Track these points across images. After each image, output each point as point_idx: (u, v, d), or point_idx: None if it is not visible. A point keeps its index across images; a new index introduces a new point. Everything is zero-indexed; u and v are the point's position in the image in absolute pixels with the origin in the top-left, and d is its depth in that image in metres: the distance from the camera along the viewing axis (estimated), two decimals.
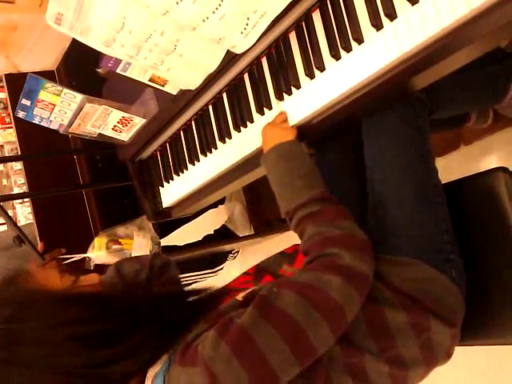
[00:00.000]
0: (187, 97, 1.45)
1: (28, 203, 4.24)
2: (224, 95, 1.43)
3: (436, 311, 1.05)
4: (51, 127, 1.61)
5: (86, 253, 2.05)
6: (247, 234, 2.86)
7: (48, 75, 1.97)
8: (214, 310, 0.97)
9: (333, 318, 0.89)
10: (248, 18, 1.07)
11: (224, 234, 2.81)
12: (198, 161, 1.56)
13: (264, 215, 2.82)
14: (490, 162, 1.82)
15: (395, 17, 0.97)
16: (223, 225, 2.83)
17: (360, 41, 1.04)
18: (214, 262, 2.73)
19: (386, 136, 1.16)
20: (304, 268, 0.97)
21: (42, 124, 1.58)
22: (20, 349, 0.84)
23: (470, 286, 1.13)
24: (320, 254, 0.96)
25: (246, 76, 1.34)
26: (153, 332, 0.92)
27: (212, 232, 2.81)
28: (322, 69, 1.13)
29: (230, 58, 1.26)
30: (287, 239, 2.58)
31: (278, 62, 1.24)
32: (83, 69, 1.91)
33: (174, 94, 1.44)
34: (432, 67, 0.96)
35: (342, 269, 0.92)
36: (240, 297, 1.04)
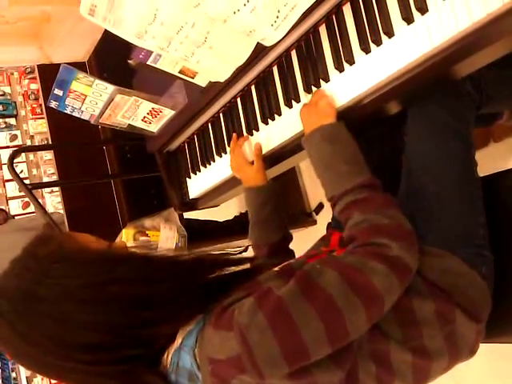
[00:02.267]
0: (216, 89, 1.46)
1: (57, 193, 4.32)
2: (252, 88, 1.43)
3: (462, 305, 1.05)
4: (82, 117, 1.64)
5: None
6: None
7: (79, 67, 1.99)
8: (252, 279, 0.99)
9: (371, 305, 0.89)
10: (278, 11, 1.08)
11: (243, 223, 2.83)
12: (226, 153, 1.57)
13: (289, 208, 2.82)
14: None
15: (426, 10, 0.97)
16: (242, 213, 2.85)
17: (390, 34, 1.04)
18: None
19: (433, 127, 1.15)
20: (350, 251, 0.96)
21: (73, 114, 1.61)
22: (58, 305, 0.86)
23: (497, 282, 1.12)
24: (368, 242, 0.95)
25: (274, 68, 1.35)
26: (196, 297, 0.94)
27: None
28: (351, 62, 1.13)
29: (260, 51, 1.27)
30: (312, 233, 2.59)
31: (307, 55, 1.24)
32: (114, 61, 1.93)
33: (203, 86, 1.45)
34: (468, 58, 0.95)
35: (389, 259, 0.92)
36: (277, 268, 1.05)
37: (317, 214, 2.67)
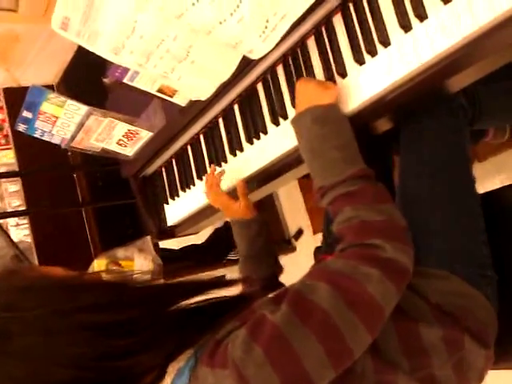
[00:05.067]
0: (196, 108, 1.39)
1: (23, 226, 4.16)
2: (235, 106, 1.37)
3: (470, 329, 0.98)
4: (53, 141, 1.55)
5: None
6: None
7: None
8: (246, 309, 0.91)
9: (369, 316, 0.81)
10: (267, 21, 1.02)
11: (229, 231, 2.77)
12: None
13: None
14: (506, 179, 1.76)
15: (425, 17, 0.92)
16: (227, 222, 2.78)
17: (386, 44, 0.99)
18: (233, 243, 2.72)
19: (428, 142, 1.11)
20: (339, 255, 0.88)
21: (43, 138, 1.52)
22: (21, 339, 0.76)
23: (501, 303, 1.06)
24: (359, 242, 0.88)
25: (259, 86, 1.29)
26: (176, 324, 0.85)
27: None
28: (343, 75, 1.07)
29: (244, 66, 1.21)
30: (292, 260, 2.52)
31: (295, 70, 1.18)
32: (84, 83, 1.86)
33: (183, 105, 1.38)
34: (469, 68, 0.90)
35: (383, 262, 0.84)
36: (272, 294, 0.96)
37: (296, 241, 2.60)
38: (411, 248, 0.90)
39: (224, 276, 2.96)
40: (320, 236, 2.48)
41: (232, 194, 1.38)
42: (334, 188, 0.96)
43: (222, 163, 1.43)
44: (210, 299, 0.92)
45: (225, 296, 0.95)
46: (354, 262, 0.84)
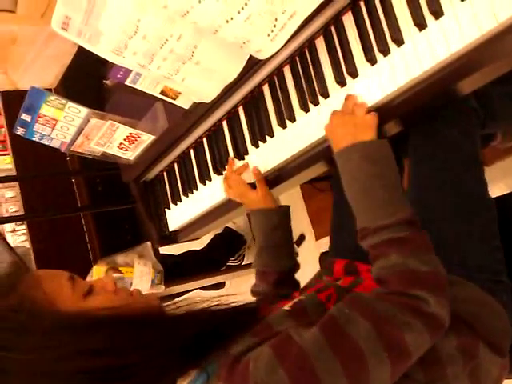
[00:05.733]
0: (200, 111, 1.36)
1: (20, 232, 4.13)
2: (240, 109, 1.33)
3: (485, 337, 0.96)
4: (52, 145, 1.50)
5: None
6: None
7: None
8: (259, 323, 0.87)
9: (399, 362, 0.80)
10: (276, 19, 0.99)
11: (229, 238, 2.74)
12: (210, 180, 1.46)
13: None
14: None
15: (441, 14, 0.89)
16: (227, 227, 2.78)
17: (400, 42, 0.95)
18: (233, 249, 2.75)
19: (440, 145, 1.08)
20: (382, 297, 0.85)
21: (42, 142, 1.48)
22: (18, 380, 0.73)
23: None
24: (404, 291, 0.85)
25: (265, 87, 1.25)
26: (176, 357, 0.81)
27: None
28: (354, 75, 1.04)
29: (249, 67, 1.17)
30: None
31: (302, 71, 1.15)
32: (84, 87, 1.82)
33: (187, 108, 1.34)
34: (483, 69, 0.87)
35: (426, 316, 0.83)
36: (288, 306, 0.93)
37: (298, 246, 2.56)
38: (449, 301, 0.88)
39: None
40: (323, 241, 2.47)
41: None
42: (379, 232, 0.91)
43: (227, 167, 1.40)
44: (215, 320, 0.88)
45: (231, 312, 0.92)
46: (396, 309, 0.82)
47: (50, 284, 0.81)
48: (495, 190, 1.61)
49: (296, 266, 1.33)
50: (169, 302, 0.92)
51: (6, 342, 0.74)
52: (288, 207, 1.32)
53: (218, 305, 0.91)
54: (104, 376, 0.75)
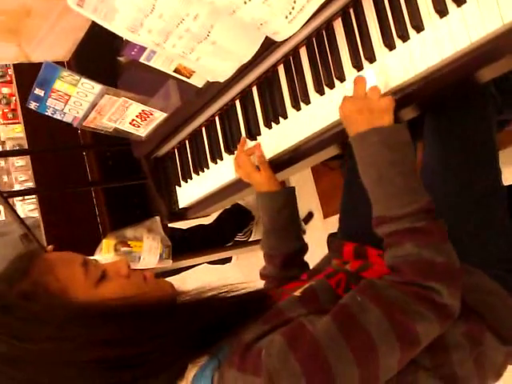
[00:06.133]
0: (213, 90, 1.35)
1: (29, 201, 4.15)
2: (254, 88, 1.32)
3: (492, 325, 0.97)
4: (64, 120, 1.50)
5: (93, 255, 1.96)
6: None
7: None
8: (270, 309, 0.88)
9: (408, 350, 0.81)
10: (294, 1, 0.97)
11: (237, 213, 2.75)
12: (222, 159, 1.46)
13: None
14: None
15: (464, 1, 0.87)
16: (236, 203, 2.76)
17: (419, 28, 0.94)
18: (241, 225, 2.77)
19: (457, 132, 1.07)
20: (395, 285, 0.85)
21: (54, 116, 1.48)
22: (30, 369, 0.75)
23: None
24: (417, 282, 0.85)
25: (280, 68, 1.24)
26: (189, 345, 0.82)
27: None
28: (372, 59, 1.03)
29: (265, 48, 1.16)
30: None
31: (319, 53, 1.14)
32: (96, 61, 1.81)
33: (200, 86, 1.34)
34: (504, 58, 0.86)
35: (438, 306, 0.83)
36: (298, 292, 0.93)
37: (306, 224, 2.56)
38: (461, 290, 0.88)
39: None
40: (331, 220, 2.47)
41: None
42: (396, 221, 0.90)
43: (238, 146, 1.39)
44: (225, 306, 0.89)
45: (240, 298, 0.92)
46: (409, 298, 0.83)
47: (62, 270, 0.82)
48: (507, 175, 1.61)
49: (304, 247, 1.33)
50: (180, 291, 0.92)
51: (18, 332, 0.75)
52: (293, 188, 1.32)
53: (227, 292, 0.92)
54: (117, 365, 0.76)
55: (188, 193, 1.65)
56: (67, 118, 1.50)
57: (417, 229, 0.88)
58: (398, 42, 0.98)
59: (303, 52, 1.18)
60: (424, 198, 0.91)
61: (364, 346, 0.77)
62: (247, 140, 1.35)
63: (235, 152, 1.37)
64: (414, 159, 0.95)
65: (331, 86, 1.12)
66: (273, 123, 1.28)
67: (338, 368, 0.74)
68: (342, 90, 1.10)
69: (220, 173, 1.47)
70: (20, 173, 4.34)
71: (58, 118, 1.49)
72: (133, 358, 0.77)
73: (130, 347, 0.77)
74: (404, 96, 1.01)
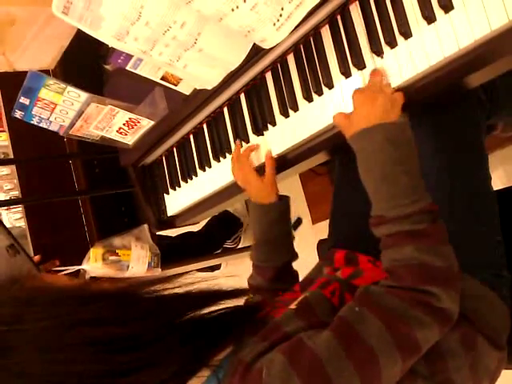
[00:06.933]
0: (201, 97, 1.34)
1: (15, 209, 4.10)
2: (242, 96, 1.32)
3: (483, 331, 0.96)
4: (50, 129, 1.49)
5: (81, 264, 1.93)
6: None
7: None
8: (267, 323, 0.86)
9: (409, 358, 0.80)
10: (282, 9, 0.97)
11: (226, 220, 2.75)
12: (210, 167, 1.45)
13: None
14: None
15: (451, 8, 0.88)
16: (225, 211, 2.77)
17: (407, 35, 0.94)
18: (230, 232, 2.78)
19: (445, 136, 1.07)
20: (392, 292, 0.84)
21: (40, 125, 1.46)
22: (20, 354, 0.72)
23: None
24: (415, 287, 0.84)
25: (268, 75, 1.24)
26: (182, 338, 0.80)
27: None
28: (360, 66, 1.03)
29: (253, 55, 1.16)
30: None
31: (307, 60, 1.13)
32: (82, 69, 1.80)
33: (187, 94, 1.33)
34: (493, 64, 0.86)
35: (436, 311, 0.83)
36: (293, 305, 0.92)
37: (295, 230, 2.56)
38: (459, 293, 0.88)
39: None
40: (319, 225, 2.47)
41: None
42: (398, 221, 0.88)
43: (227, 154, 1.39)
44: (219, 309, 0.88)
45: (235, 306, 0.91)
46: (408, 304, 0.82)
47: (48, 278, 0.86)
48: (494, 179, 1.61)
49: (295, 257, 1.31)
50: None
51: (6, 318, 0.74)
52: (288, 199, 1.29)
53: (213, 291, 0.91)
54: (109, 347, 0.74)
55: (176, 201, 1.64)
56: (53, 127, 1.49)
57: (417, 231, 0.87)
58: (385, 48, 0.99)
59: (291, 59, 1.17)
60: (427, 197, 0.90)
61: (365, 359, 0.76)
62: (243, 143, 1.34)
63: (222, 160, 1.36)
64: (417, 156, 0.93)
65: (319, 92, 1.11)
66: (262, 130, 1.27)
67: (340, 382, 0.73)
68: (330, 96, 1.09)
69: (208, 180, 1.47)
70: (5, 181, 4.29)
71: (44, 126, 1.47)
72: (122, 341, 0.75)
73: (115, 326, 0.75)
74: None
